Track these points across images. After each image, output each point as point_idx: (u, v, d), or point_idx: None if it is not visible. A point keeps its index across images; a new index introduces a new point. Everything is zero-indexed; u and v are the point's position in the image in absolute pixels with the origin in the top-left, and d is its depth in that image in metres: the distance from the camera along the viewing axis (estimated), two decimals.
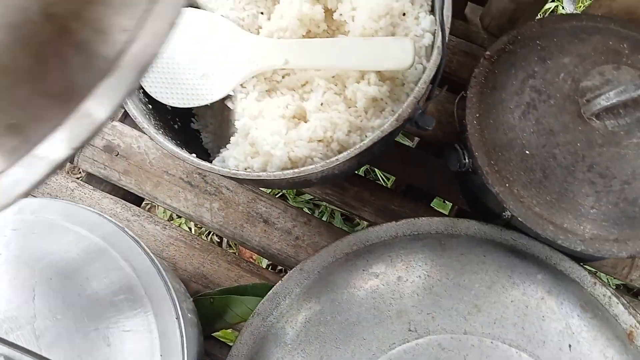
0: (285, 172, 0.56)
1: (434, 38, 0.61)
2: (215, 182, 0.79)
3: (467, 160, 0.62)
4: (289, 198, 1.11)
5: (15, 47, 0.22)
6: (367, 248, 0.60)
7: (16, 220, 0.52)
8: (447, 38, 0.56)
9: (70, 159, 0.79)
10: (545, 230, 0.58)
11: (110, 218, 0.54)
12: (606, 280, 0.90)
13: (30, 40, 0.22)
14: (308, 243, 0.77)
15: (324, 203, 1.10)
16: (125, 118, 0.84)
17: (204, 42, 0.64)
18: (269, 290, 0.70)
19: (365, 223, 1.08)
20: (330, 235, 0.77)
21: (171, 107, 0.66)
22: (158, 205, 0.81)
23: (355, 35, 0.62)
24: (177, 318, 0.51)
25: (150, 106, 0.65)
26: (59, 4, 0.23)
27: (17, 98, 0.23)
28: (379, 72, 0.61)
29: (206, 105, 0.66)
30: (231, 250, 1.14)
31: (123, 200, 0.78)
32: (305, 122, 0.62)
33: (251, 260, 1.14)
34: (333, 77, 0.64)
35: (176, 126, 0.71)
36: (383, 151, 0.70)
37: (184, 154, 0.57)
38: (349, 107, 0.62)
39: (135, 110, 0.58)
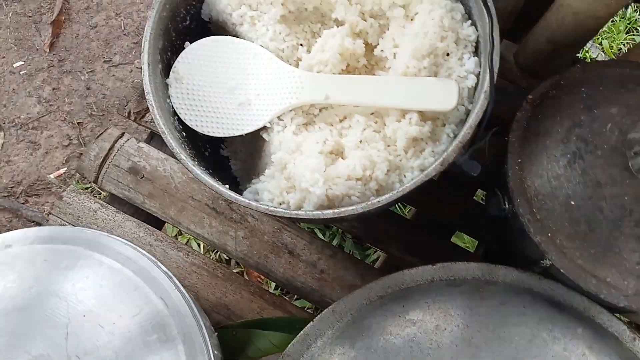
0: (325, 212, 0.55)
1: (477, 80, 0.61)
2: (241, 210, 0.77)
3: (507, 206, 0.60)
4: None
5: None
6: (402, 292, 0.59)
7: (48, 251, 0.51)
8: (495, 81, 0.55)
9: (95, 178, 0.78)
10: (587, 283, 0.56)
11: (143, 251, 0.53)
12: None
13: None
14: (333, 277, 0.75)
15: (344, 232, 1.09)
16: (152, 139, 0.83)
17: (243, 72, 0.63)
18: (293, 325, 0.69)
19: (378, 252, 1.06)
20: (356, 270, 0.75)
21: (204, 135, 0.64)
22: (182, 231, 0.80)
23: (397, 73, 0.61)
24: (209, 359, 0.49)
25: (185, 134, 0.64)
26: None
27: None
28: (420, 112, 0.60)
29: None
30: (238, 270, 1.12)
31: (146, 224, 0.77)
32: (343, 158, 0.61)
33: (259, 280, 1.12)
34: (372, 113, 0.63)
35: (207, 153, 0.69)
36: None
37: (220, 187, 0.56)
38: (388, 146, 0.61)
39: (172, 141, 0.57)
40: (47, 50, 1.61)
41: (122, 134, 0.79)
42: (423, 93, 0.58)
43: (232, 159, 0.73)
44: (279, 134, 0.62)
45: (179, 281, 0.64)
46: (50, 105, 1.58)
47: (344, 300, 0.59)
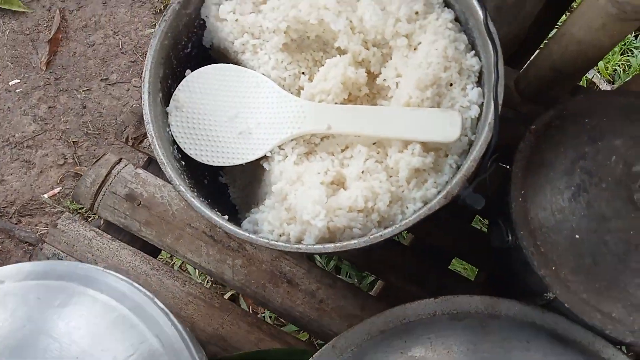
0: (327, 246, 0.54)
1: (480, 110, 0.60)
2: (239, 238, 0.76)
3: (510, 238, 0.59)
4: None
5: None
6: (404, 326, 0.57)
7: (41, 287, 0.49)
8: (499, 113, 0.55)
9: (91, 205, 0.77)
10: (592, 318, 0.55)
11: (139, 286, 0.51)
12: None
13: None
14: (332, 307, 0.74)
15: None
16: (149, 165, 0.82)
17: (244, 101, 0.63)
18: (291, 357, 0.67)
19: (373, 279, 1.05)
20: (355, 300, 0.74)
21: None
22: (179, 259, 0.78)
23: (399, 102, 0.61)
24: None
25: (184, 162, 0.63)
26: None
27: None
28: (423, 143, 0.59)
29: None
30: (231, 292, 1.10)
31: (142, 252, 0.75)
32: (344, 188, 0.60)
33: (253, 306, 1.10)
34: (374, 143, 0.62)
35: (205, 181, 0.68)
36: None
37: (220, 220, 0.55)
38: (390, 176, 0.60)
39: (172, 172, 0.56)
40: (44, 68, 1.61)
41: (120, 159, 0.78)
42: (426, 124, 0.58)
43: (231, 186, 0.72)
44: (279, 164, 0.62)
45: (176, 312, 0.63)
46: (45, 123, 1.57)
47: (344, 335, 0.57)
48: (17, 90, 1.57)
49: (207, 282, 1.12)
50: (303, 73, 0.65)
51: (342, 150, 0.63)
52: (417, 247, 0.82)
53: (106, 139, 1.51)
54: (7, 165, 1.49)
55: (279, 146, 0.62)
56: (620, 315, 0.55)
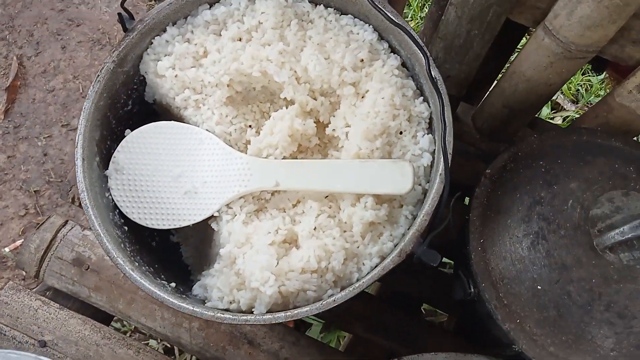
0: (277, 315, 0.50)
1: (432, 158, 0.58)
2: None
3: (472, 290, 0.57)
4: None
5: None
6: None
7: None
8: (449, 164, 0.53)
9: (36, 272, 0.72)
10: None
11: None
12: None
13: None
14: None
15: None
16: None
17: (188, 159, 0.60)
18: None
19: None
20: (321, 357, 0.70)
21: None
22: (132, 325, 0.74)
23: (349, 154, 0.58)
24: None
25: (126, 228, 0.59)
26: None
27: None
28: (376, 195, 0.57)
29: None
30: None
31: (92, 321, 0.71)
32: (297, 247, 0.57)
33: None
34: (326, 197, 0.59)
35: (154, 243, 0.65)
36: None
37: (163, 294, 0.51)
38: (344, 232, 0.57)
39: (109, 243, 0.52)
40: (2, 117, 1.56)
41: (66, 222, 0.74)
42: (377, 177, 0.56)
43: (183, 245, 0.69)
44: (228, 224, 0.58)
45: None
46: (5, 174, 1.51)
47: None
48: None
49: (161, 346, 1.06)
50: (250, 126, 0.62)
51: (294, 206, 0.60)
52: (384, 295, 0.79)
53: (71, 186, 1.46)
54: None
55: (227, 205, 0.59)
56: None
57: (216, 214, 0.59)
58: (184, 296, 0.57)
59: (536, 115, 0.82)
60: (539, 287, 0.53)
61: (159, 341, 1.06)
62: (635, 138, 0.71)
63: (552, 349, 0.53)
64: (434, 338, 0.73)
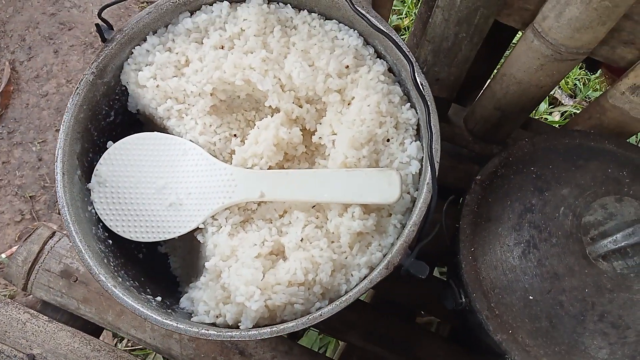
0: (262, 331, 0.49)
1: (421, 165, 0.57)
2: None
3: (463, 300, 0.56)
4: None
5: None
6: None
7: None
8: (437, 172, 0.52)
9: (24, 285, 0.71)
10: None
11: None
12: None
13: None
14: None
15: None
16: None
17: (172, 170, 0.58)
18: None
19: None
20: None
21: None
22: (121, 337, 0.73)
23: (336, 163, 0.57)
24: None
25: (110, 241, 0.58)
26: None
27: None
28: (363, 205, 0.56)
29: None
30: None
31: (82, 333, 0.70)
32: (284, 258, 0.56)
33: None
34: (313, 207, 0.58)
35: (140, 255, 0.64)
36: None
37: (146, 311, 0.50)
38: (332, 242, 0.56)
39: (90, 260, 0.51)
40: None
41: (53, 233, 0.73)
42: (364, 186, 0.54)
43: (172, 255, 0.68)
44: (213, 236, 0.57)
45: None
46: (0, 180, 1.51)
47: None
48: None
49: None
50: (235, 135, 0.61)
51: (281, 216, 0.59)
52: (378, 303, 0.78)
53: None
54: None
55: (213, 216, 0.58)
56: None
57: (201, 226, 0.58)
58: (170, 310, 0.56)
59: (530, 115, 0.80)
60: (530, 297, 0.52)
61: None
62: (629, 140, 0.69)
63: None
64: (429, 345, 0.72)
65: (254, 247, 0.55)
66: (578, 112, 1.39)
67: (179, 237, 0.64)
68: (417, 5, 1.55)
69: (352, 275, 0.55)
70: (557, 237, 0.52)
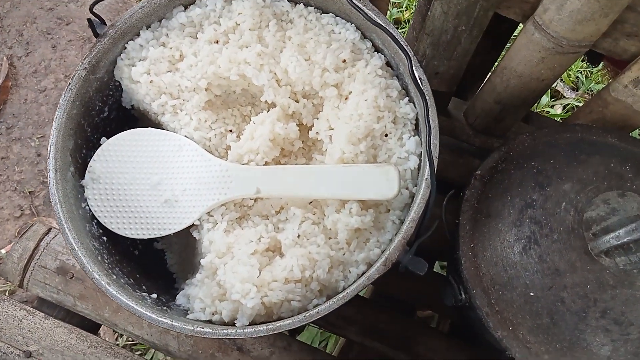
0: (258, 329, 0.49)
1: (419, 160, 0.56)
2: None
3: (463, 296, 0.55)
4: None
5: None
6: None
7: None
8: (435, 168, 0.51)
9: (20, 282, 0.71)
10: None
11: None
12: None
13: None
14: None
15: None
16: None
17: (167, 166, 0.58)
18: None
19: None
20: None
21: None
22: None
23: (333, 158, 0.56)
24: None
25: (105, 238, 0.57)
26: None
27: None
28: (361, 201, 0.55)
29: None
30: None
31: (78, 329, 0.69)
32: (281, 255, 0.56)
33: None
34: (311, 203, 0.57)
35: (136, 251, 0.63)
36: None
37: (140, 308, 0.49)
38: (329, 238, 0.55)
39: (83, 257, 0.51)
40: None
41: (49, 229, 0.73)
42: (362, 182, 0.53)
43: (168, 252, 0.67)
44: (209, 233, 0.56)
45: None
46: None
47: None
48: None
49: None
50: (230, 131, 0.60)
51: (277, 212, 0.58)
52: (377, 298, 0.77)
53: None
54: None
55: (208, 213, 0.57)
56: None
57: (197, 222, 0.57)
58: (166, 307, 0.55)
59: (532, 109, 0.79)
60: (531, 294, 0.51)
61: None
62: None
63: (546, 357, 0.51)
64: (429, 340, 0.71)
65: (250, 243, 0.54)
66: (580, 105, 1.38)
67: (174, 233, 0.64)
68: None
69: (349, 271, 0.54)
70: (558, 232, 0.51)
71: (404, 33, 1.41)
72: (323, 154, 0.59)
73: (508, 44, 0.79)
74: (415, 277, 0.73)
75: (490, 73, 0.68)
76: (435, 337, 0.72)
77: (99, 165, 0.57)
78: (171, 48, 0.58)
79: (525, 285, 0.51)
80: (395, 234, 0.55)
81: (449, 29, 0.61)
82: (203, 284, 0.55)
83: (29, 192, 1.47)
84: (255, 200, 0.59)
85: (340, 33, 0.57)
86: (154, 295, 0.56)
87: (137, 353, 0.95)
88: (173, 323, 0.49)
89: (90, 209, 0.57)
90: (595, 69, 1.60)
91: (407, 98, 0.57)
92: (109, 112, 0.61)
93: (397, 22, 1.51)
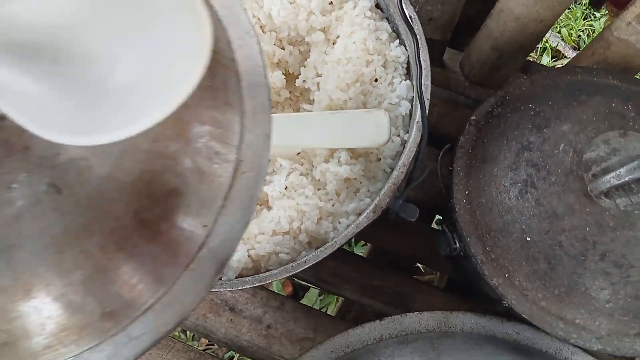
0: (244, 280, 0.47)
1: (411, 106, 0.53)
2: None
3: (457, 245, 0.53)
4: None
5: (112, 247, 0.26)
6: (348, 356, 0.51)
7: None
8: (427, 111, 0.48)
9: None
10: (554, 328, 0.49)
11: None
12: None
13: (124, 242, 0.26)
14: (282, 332, 0.67)
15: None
16: None
17: None
18: None
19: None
20: (307, 321, 0.68)
21: None
22: None
23: (321, 106, 0.54)
24: None
25: None
26: (149, 211, 0.27)
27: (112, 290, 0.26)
28: (350, 149, 0.53)
29: None
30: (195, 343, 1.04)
31: None
32: (268, 208, 0.54)
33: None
34: (298, 154, 0.55)
35: None
36: None
37: None
38: (318, 189, 0.53)
39: None
40: None
41: None
42: (350, 129, 0.51)
43: None
44: None
45: None
46: None
47: None
48: None
49: None
50: None
51: None
52: (373, 256, 0.75)
53: None
54: None
55: None
56: (584, 322, 0.49)
57: None
58: None
59: (529, 59, 0.76)
60: (528, 239, 0.49)
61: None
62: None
63: (544, 304, 0.49)
64: (425, 297, 0.70)
65: None
66: None
67: None
68: None
69: (339, 222, 0.52)
70: (556, 175, 0.49)
71: None
72: (311, 104, 0.57)
73: None
74: (410, 232, 0.72)
75: (487, 19, 0.64)
76: (432, 294, 0.71)
77: None
78: None
79: (521, 231, 0.49)
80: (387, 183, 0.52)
81: None
82: None
83: None
84: None
85: None
86: None
87: None
88: None
89: None
90: (598, 27, 1.56)
91: (398, 40, 0.54)
92: None
93: None
